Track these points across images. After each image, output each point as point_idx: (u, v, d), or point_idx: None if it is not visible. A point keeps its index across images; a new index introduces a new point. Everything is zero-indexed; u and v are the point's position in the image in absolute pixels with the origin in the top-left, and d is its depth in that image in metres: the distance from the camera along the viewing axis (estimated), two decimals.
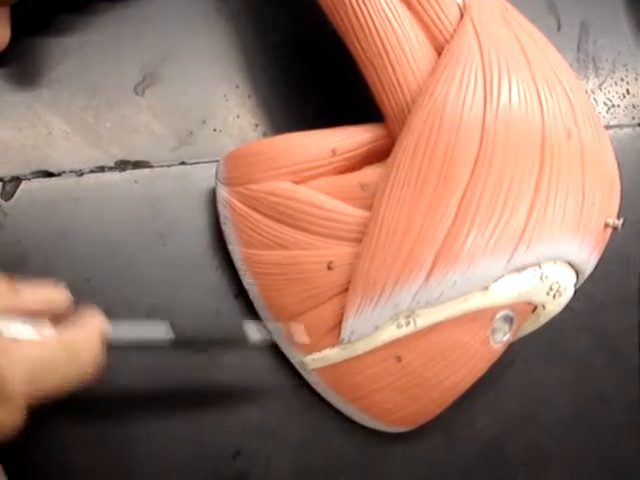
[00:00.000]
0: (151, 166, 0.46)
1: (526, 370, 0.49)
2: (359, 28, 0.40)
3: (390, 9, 0.39)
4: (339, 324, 0.40)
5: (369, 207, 0.39)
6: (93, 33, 0.47)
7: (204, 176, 0.46)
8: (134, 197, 0.46)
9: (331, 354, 0.41)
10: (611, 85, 0.57)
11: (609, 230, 0.41)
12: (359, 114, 0.43)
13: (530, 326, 0.43)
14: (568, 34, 0.57)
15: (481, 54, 0.38)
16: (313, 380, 0.43)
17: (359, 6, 0.39)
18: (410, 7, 0.39)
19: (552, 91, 0.39)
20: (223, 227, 0.44)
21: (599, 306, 0.51)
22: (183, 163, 0.47)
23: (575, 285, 0.42)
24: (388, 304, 0.38)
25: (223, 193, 0.43)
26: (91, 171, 0.46)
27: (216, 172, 0.44)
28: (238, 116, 0.49)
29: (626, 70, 0.57)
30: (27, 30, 0.46)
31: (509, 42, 0.39)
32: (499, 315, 0.40)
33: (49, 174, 0.45)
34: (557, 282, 0.40)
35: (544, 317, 0.42)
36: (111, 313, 0.42)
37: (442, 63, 0.38)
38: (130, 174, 0.46)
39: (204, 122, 0.48)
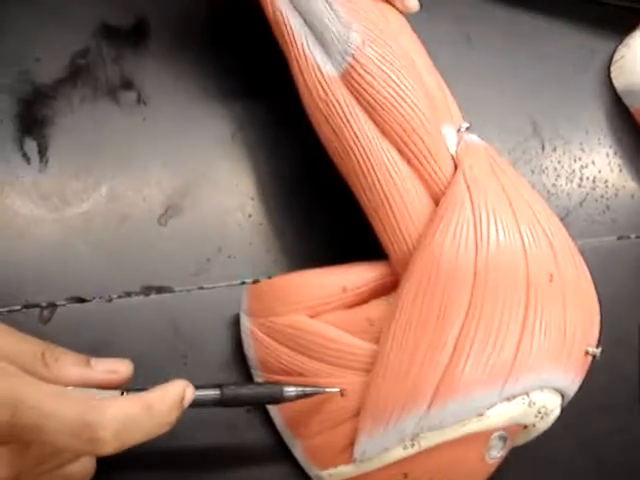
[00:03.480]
0: (173, 291, 0.51)
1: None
2: (365, 182, 0.45)
3: (392, 166, 0.44)
4: (352, 444, 0.44)
5: (376, 340, 0.44)
6: (121, 169, 0.53)
7: (221, 300, 0.51)
8: (158, 319, 0.50)
9: (345, 470, 0.45)
10: (591, 202, 0.61)
11: (589, 357, 0.46)
12: (363, 240, 0.48)
13: (522, 439, 0.47)
14: (551, 154, 0.62)
15: (472, 206, 0.43)
16: None
17: (365, 163, 0.45)
18: (410, 163, 0.44)
19: (534, 236, 0.44)
20: (246, 352, 0.49)
21: (585, 412, 0.54)
22: (201, 288, 0.51)
23: (561, 405, 0.46)
24: (395, 429, 0.43)
25: (246, 323, 0.48)
26: (119, 296, 0.50)
27: (240, 303, 0.49)
28: (250, 243, 0.53)
29: (606, 187, 0.62)
30: (56, 157, 0.51)
31: (496, 192, 0.44)
32: (494, 435, 0.44)
33: (81, 300, 0.49)
34: (544, 406, 0.44)
35: (535, 432, 0.47)
36: None
37: (438, 214, 0.44)
38: (154, 298, 0.51)
39: (220, 250, 0.53)
